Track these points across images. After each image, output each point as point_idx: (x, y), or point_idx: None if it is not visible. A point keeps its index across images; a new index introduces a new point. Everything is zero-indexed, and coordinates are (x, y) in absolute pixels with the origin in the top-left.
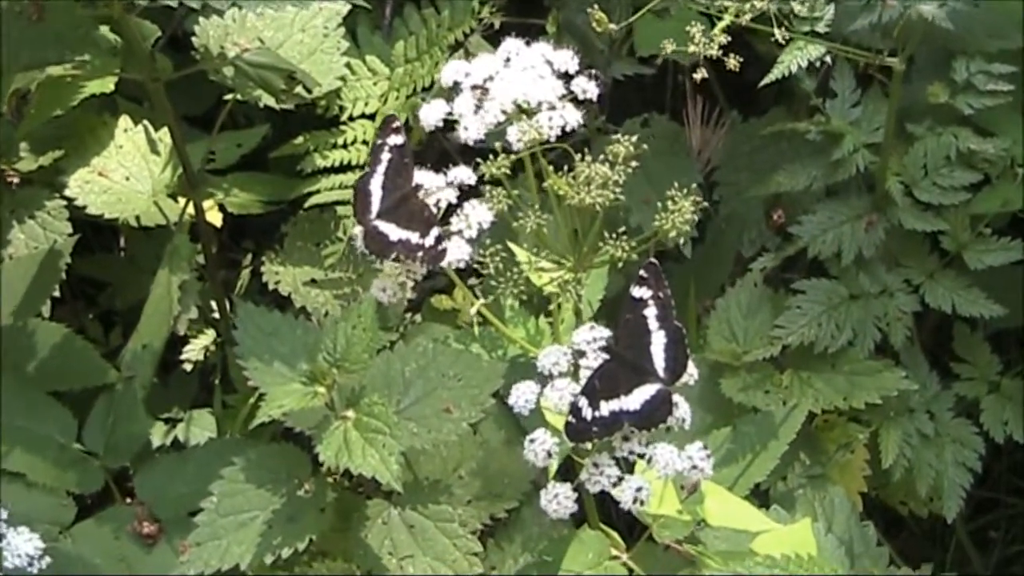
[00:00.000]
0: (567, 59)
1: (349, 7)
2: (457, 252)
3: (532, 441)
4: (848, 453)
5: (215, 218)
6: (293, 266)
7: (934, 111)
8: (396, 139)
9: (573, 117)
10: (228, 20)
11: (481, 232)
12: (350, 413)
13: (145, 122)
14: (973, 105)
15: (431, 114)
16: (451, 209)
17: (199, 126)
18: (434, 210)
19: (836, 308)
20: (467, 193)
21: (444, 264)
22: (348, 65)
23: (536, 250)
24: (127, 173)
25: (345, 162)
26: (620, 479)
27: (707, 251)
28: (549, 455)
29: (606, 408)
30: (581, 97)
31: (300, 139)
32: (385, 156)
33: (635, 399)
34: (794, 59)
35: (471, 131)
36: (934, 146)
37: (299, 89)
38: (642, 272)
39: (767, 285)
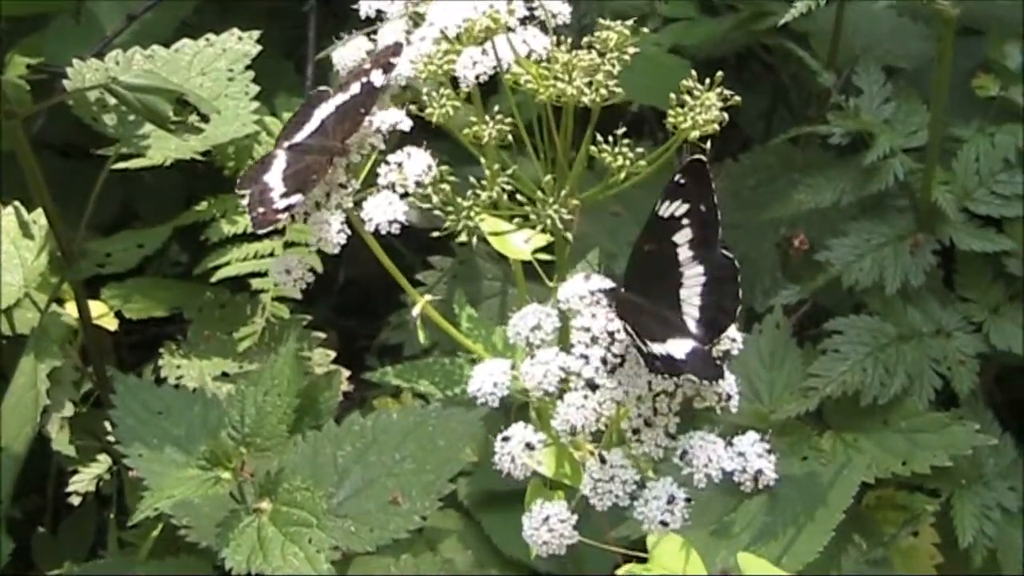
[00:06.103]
0: None
1: (259, 49)
2: (388, 212)
3: (506, 440)
4: (911, 535)
5: (109, 322)
6: (199, 358)
7: (982, 108)
8: (377, 77)
9: (540, 43)
10: (110, 63)
11: (419, 184)
12: (265, 504)
13: (16, 203)
14: None
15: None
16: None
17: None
18: (318, 181)
19: (883, 350)
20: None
21: (369, 229)
22: (261, 122)
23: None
24: None
25: None
26: (640, 486)
27: None
28: (530, 448)
29: (657, 348)
30: (549, 22)
31: (204, 204)
32: (355, 87)
33: (675, 348)
34: None
35: (402, 64)
36: (987, 148)
37: (193, 119)
38: (679, 177)
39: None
